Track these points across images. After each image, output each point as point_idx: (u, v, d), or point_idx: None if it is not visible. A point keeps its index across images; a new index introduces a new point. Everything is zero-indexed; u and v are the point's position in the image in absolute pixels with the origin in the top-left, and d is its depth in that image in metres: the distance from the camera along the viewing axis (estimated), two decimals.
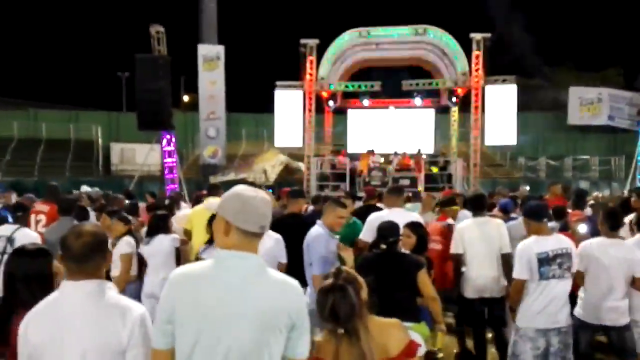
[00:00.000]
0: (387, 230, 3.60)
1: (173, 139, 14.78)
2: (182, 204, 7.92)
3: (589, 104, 20.72)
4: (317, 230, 3.83)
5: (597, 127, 21.28)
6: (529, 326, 3.58)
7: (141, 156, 19.82)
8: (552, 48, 34.47)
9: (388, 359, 1.99)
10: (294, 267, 3.75)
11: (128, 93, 31.58)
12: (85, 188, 9.40)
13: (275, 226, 3.69)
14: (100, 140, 24.67)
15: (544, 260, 3.54)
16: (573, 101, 20.67)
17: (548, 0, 34.46)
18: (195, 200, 6.78)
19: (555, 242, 3.61)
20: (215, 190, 5.86)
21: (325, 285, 2.04)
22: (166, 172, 15.11)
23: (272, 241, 3.86)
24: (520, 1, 32.32)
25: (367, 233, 4.60)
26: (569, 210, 5.73)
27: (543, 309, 3.53)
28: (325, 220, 3.84)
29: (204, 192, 6.69)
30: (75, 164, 22.77)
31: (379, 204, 6.19)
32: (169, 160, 15.05)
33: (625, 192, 10.36)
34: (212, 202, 5.24)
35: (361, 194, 8.84)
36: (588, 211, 6.11)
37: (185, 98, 34.10)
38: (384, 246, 3.50)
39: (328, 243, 3.76)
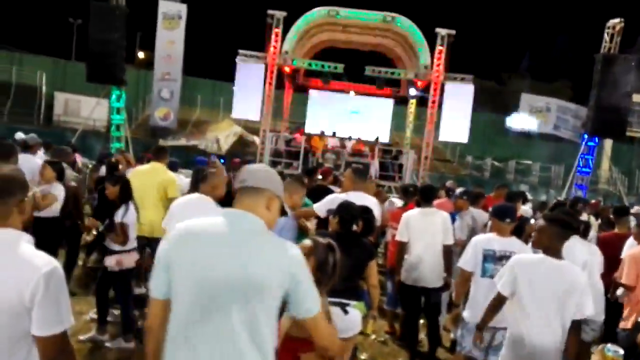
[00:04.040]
0: (349, 213, 3.46)
1: (123, 96, 14.13)
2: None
3: (538, 111, 21.65)
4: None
5: (542, 135, 22.29)
6: (477, 322, 3.54)
7: (87, 109, 18.82)
8: (511, 55, 35.62)
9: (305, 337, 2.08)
10: None
11: (78, 41, 29.83)
12: (20, 135, 8.76)
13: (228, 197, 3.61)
14: (44, 88, 23.17)
15: (489, 257, 3.61)
16: (523, 107, 21.53)
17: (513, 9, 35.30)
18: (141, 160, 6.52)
19: (507, 244, 3.63)
20: (162, 153, 5.57)
21: (326, 243, 2.42)
22: (113, 129, 14.46)
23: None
24: (487, 6, 32.96)
25: (323, 207, 4.25)
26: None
27: None
28: (288, 199, 3.69)
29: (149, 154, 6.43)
30: (15, 110, 21.32)
31: (331, 186, 6.18)
32: (116, 117, 14.40)
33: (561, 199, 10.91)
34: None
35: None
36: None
37: (141, 55, 32.66)
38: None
39: (294, 226, 3.79)
